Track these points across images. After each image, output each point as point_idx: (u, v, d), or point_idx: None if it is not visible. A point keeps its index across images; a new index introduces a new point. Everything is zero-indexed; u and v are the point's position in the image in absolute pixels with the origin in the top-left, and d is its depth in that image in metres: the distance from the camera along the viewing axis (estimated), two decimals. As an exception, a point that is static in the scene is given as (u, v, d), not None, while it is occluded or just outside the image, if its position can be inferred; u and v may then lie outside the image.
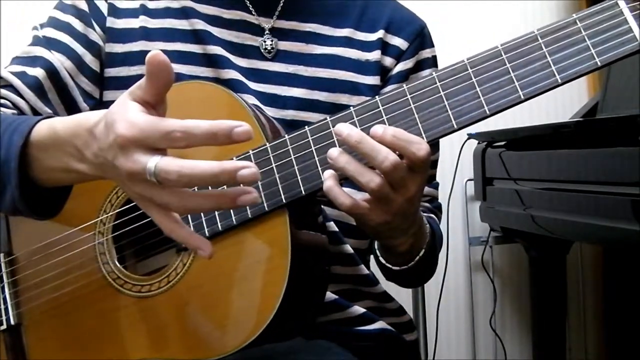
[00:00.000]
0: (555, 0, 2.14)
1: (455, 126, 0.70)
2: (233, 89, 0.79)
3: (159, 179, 0.58)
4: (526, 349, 2.12)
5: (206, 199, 0.60)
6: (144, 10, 0.91)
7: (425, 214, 0.91)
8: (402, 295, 1.31)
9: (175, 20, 0.91)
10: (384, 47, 0.94)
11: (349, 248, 0.91)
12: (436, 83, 0.70)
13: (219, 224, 0.74)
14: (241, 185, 0.59)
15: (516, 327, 2.16)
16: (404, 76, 0.94)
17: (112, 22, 0.91)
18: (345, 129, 0.69)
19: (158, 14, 0.91)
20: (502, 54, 0.69)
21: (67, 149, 0.67)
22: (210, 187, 0.65)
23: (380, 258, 0.86)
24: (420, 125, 0.70)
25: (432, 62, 0.97)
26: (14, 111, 0.87)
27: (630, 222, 1.13)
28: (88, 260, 0.80)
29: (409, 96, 0.71)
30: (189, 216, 0.75)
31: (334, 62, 0.92)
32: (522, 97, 0.69)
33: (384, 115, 0.71)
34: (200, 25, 0.90)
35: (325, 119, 0.73)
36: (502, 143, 1.71)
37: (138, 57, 0.89)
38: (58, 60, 0.89)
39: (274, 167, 0.73)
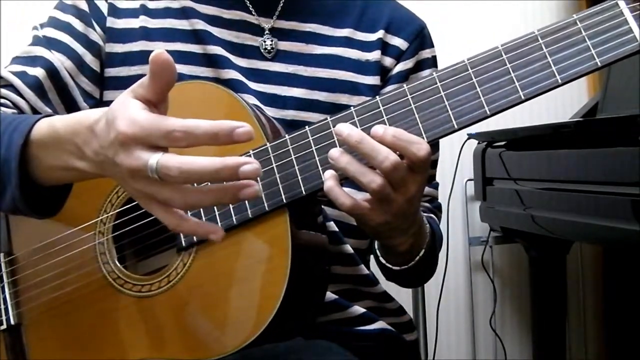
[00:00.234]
0: (555, 0, 2.14)
1: (456, 126, 0.70)
2: (233, 89, 0.79)
3: (161, 175, 0.58)
4: (526, 349, 2.12)
5: (207, 194, 0.60)
6: (144, 10, 0.91)
7: (425, 214, 0.91)
8: (402, 295, 1.31)
9: (176, 20, 0.91)
10: (384, 47, 0.94)
11: (349, 248, 0.91)
12: (436, 83, 0.70)
13: (219, 224, 0.74)
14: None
15: (516, 327, 2.15)
16: (404, 76, 0.94)
17: (112, 22, 0.91)
18: (346, 129, 0.69)
19: (158, 14, 0.91)
20: (503, 54, 0.70)
21: (67, 147, 0.67)
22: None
23: (380, 258, 0.86)
24: (420, 125, 0.70)
25: (432, 62, 0.97)
26: (14, 111, 0.87)
27: (630, 222, 1.13)
28: (88, 260, 0.80)
29: (409, 96, 0.71)
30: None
31: (333, 62, 0.92)
32: (523, 97, 0.69)
33: (384, 115, 0.71)
34: (200, 25, 0.90)
35: (326, 119, 0.73)
36: (502, 143, 1.71)
37: (138, 57, 0.89)
38: (58, 60, 0.89)
39: (275, 167, 0.73)
